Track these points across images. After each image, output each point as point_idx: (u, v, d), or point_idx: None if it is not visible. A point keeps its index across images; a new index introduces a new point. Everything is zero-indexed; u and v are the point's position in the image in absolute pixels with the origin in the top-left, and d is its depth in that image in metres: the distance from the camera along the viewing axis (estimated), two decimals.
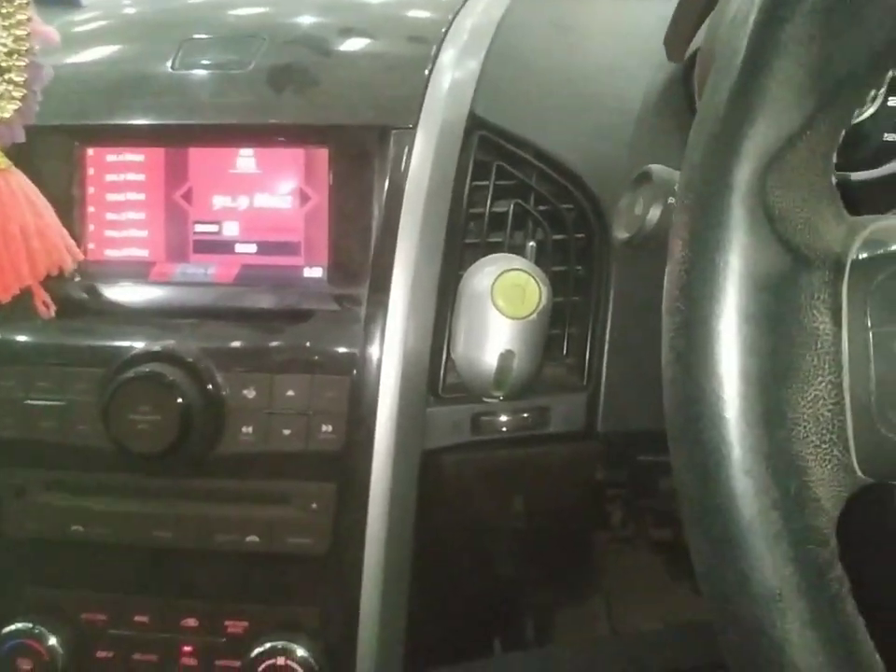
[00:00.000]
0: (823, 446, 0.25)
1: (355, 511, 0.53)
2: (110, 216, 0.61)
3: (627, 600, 0.66)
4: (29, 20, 0.37)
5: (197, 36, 0.63)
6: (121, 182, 0.61)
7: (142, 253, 0.61)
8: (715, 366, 0.24)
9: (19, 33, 0.37)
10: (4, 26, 0.37)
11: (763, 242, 0.24)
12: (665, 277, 0.27)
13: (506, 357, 0.51)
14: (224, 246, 0.60)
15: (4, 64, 0.37)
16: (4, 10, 0.36)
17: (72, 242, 0.40)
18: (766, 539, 0.24)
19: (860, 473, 0.25)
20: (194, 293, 0.59)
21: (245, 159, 0.59)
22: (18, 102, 0.38)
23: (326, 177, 0.58)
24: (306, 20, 0.64)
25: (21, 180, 0.38)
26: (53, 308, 0.40)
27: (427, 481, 0.55)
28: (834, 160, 0.27)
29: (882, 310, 0.25)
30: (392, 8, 0.68)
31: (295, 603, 0.55)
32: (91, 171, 0.61)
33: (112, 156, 0.61)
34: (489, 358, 0.51)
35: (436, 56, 0.59)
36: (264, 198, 0.59)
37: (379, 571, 0.53)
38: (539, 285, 0.51)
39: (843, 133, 0.26)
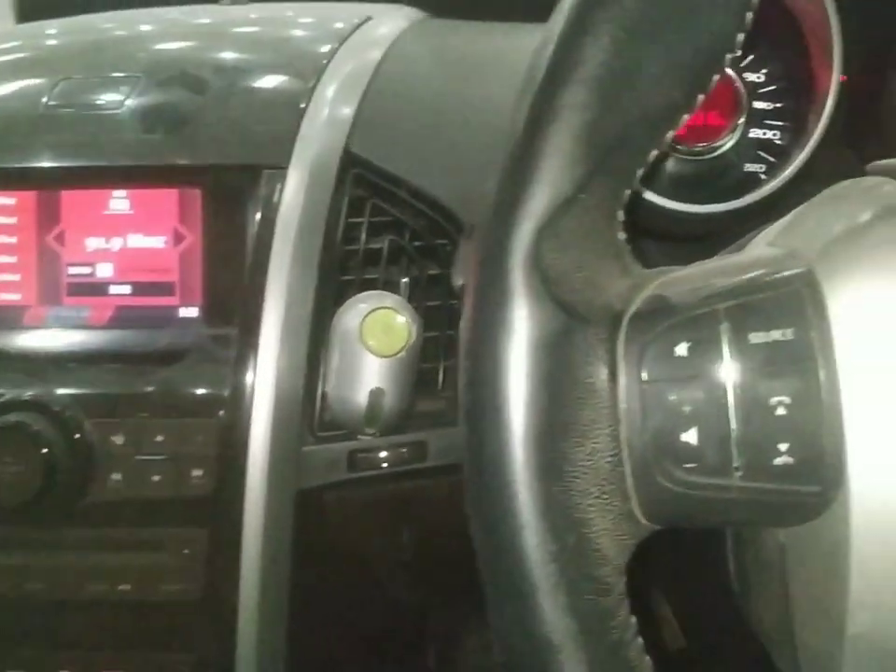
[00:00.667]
0: (604, 497, 0.25)
1: (228, 555, 0.52)
2: None
3: None
4: None
5: (71, 76, 0.62)
6: None
7: (14, 297, 0.59)
8: (496, 422, 0.25)
9: None
10: None
11: (540, 303, 0.25)
12: (460, 335, 0.27)
13: (376, 394, 0.51)
14: (98, 288, 0.59)
15: None
16: None
17: None
18: (545, 592, 0.24)
19: (644, 521, 0.26)
20: (66, 337, 0.57)
21: (119, 200, 0.59)
22: None
23: (199, 217, 0.57)
24: (184, 57, 0.64)
25: None
26: None
27: (304, 521, 0.54)
28: (621, 217, 0.27)
29: (656, 363, 0.25)
30: (273, 44, 0.68)
31: (171, 651, 0.54)
32: None
33: None
34: (359, 397, 0.51)
35: (312, 91, 0.59)
36: (138, 238, 0.59)
37: (255, 616, 0.53)
38: (408, 322, 0.51)
39: (627, 192, 0.27)
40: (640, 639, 0.26)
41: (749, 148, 0.57)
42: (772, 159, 0.57)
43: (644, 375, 0.25)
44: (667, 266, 0.30)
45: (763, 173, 0.57)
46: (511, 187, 0.26)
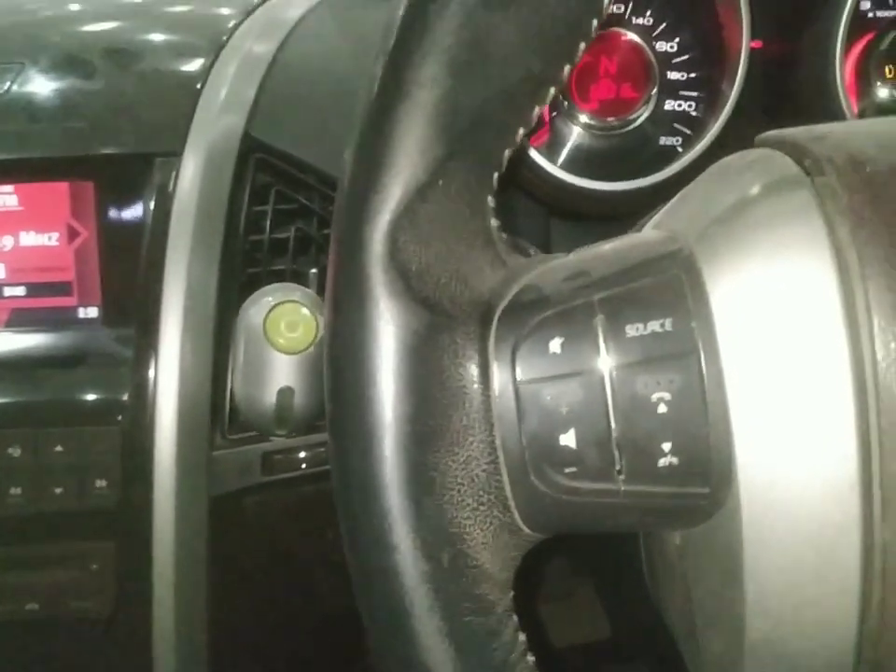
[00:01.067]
0: (481, 508, 0.23)
1: (138, 568, 0.50)
2: None
3: None
4: None
5: None
6: None
7: None
8: (360, 434, 0.23)
9: None
10: None
11: (400, 301, 0.23)
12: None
13: (284, 393, 0.49)
14: None
15: None
16: None
17: None
18: (419, 616, 0.22)
19: (526, 530, 0.24)
20: None
21: (6, 196, 0.55)
22: None
23: (93, 211, 0.54)
24: (71, 41, 0.60)
25: None
26: None
27: (220, 527, 0.52)
28: (491, 203, 0.25)
29: (529, 361, 0.23)
30: (169, 23, 0.64)
31: (84, 670, 0.51)
32: None
33: None
34: (267, 397, 0.49)
35: (209, 72, 0.56)
36: (30, 236, 0.55)
37: (170, 630, 0.50)
38: (315, 316, 0.49)
39: (495, 174, 0.25)
40: (530, 658, 0.24)
41: (664, 121, 0.56)
42: (688, 131, 0.55)
43: (518, 374, 0.23)
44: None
45: (680, 146, 0.55)
46: (361, 174, 0.23)
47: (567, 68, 0.25)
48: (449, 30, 0.23)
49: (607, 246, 0.26)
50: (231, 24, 0.60)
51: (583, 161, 0.54)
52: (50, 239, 0.55)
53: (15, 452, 0.50)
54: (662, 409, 0.23)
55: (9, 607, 0.50)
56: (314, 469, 0.53)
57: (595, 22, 0.25)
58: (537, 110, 0.25)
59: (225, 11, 0.64)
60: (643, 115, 0.55)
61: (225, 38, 0.58)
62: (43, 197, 0.55)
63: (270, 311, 0.48)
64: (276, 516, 0.55)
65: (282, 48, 0.60)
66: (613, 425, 0.23)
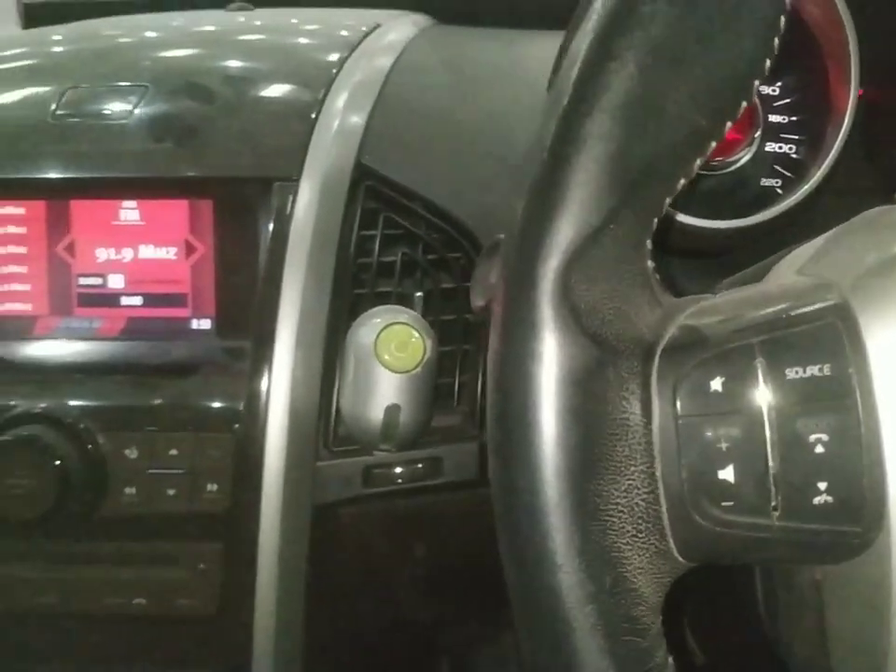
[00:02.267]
0: (640, 535, 0.25)
1: (243, 570, 0.52)
2: None
3: None
4: None
5: (79, 85, 0.62)
6: (1, 235, 0.59)
7: (24, 307, 0.59)
8: (528, 459, 0.25)
9: None
10: None
11: (570, 336, 0.25)
12: (487, 366, 0.27)
13: (391, 411, 0.51)
14: (109, 299, 0.58)
15: None
16: None
17: None
18: (583, 634, 0.24)
19: (680, 559, 0.26)
20: (77, 347, 0.57)
21: (129, 211, 0.58)
22: None
23: (211, 229, 0.57)
24: (192, 66, 0.64)
25: None
26: None
27: (320, 536, 0.54)
28: (649, 245, 0.27)
29: (690, 398, 0.25)
30: (282, 52, 0.68)
31: (186, 666, 0.54)
32: None
33: None
34: (375, 413, 0.51)
35: (323, 102, 0.59)
36: (149, 250, 0.58)
37: (270, 631, 0.53)
38: (423, 337, 0.51)
39: (655, 220, 0.27)
40: None
41: (765, 163, 0.57)
42: (788, 173, 0.56)
43: (679, 410, 0.25)
44: (691, 290, 0.30)
45: (780, 187, 0.56)
46: (538, 218, 0.25)
47: (728, 124, 0.27)
48: (625, 88, 0.25)
49: (757, 290, 0.27)
50: (340, 56, 0.63)
51: (685, 199, 0.56)
52: (168, 253, 0.58)
53: (132, 454, 0.53)
54: (819, 449, 0.24)
55: (119, 600, 0.53)
56: (409, 484, 0.55)
57: (756, 83, 0.27)
58: (698, 162, 0.27)
59: (334, 43, 0.67)
60: (745, 157, 0.56)
61: (335, 71, 0.61)
62: (163, 213, 0.58)
63: (381, 331, 0.50)
64: (372, 528, 0.57)
65: (387, 80, 0.63)
66: (771, 462, 0.24)
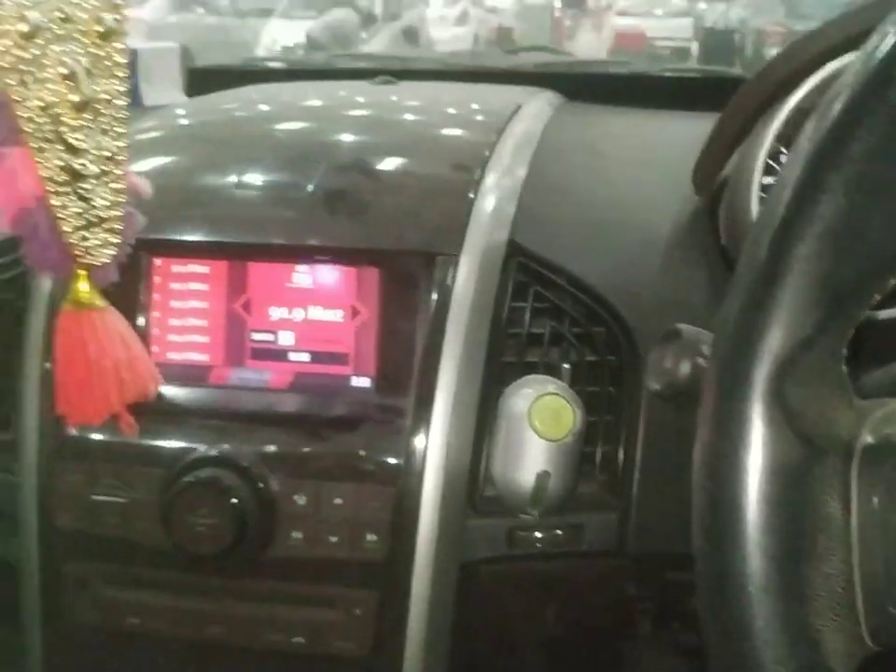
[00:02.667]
0: (836, 619, 0.27)
1: (395, 617, 0.56)
2: (173, 321, 0.66)
3: None
4: (125, 174, 0.42)
5: (260, 156, 0.68)
6: (185, 291, 0.65)
7: (202, 357, 0.65)
8: (739, 544, 0.28)
9: (117, 186, 0.42)
10: (105, 182, 0.42)
11: (782, 435, 0.28)
12: (694, 454, 0.30)
13: (542, 477, 0.54)
14: (279, 354, 0.64)
15: (104, 216, 0.42)
16: (105, 168, 0.41)
17: (155, 370, 0.44)
18: None
19: (869, 643, 0.28)
20: (249, 397, 0.63)
21: (301, 275, 0.64)
22: (114, 248, 0.42)
23: (376, 295, 0.62)
24: (358, 142, 0.70)
25: (115, 318, 0.43)
26: (136, 428, 0.44)
27: (463, 590, 0.57)
28: (844, 353, 0.30)
29: (889, 495, 0.28)
30: (436, 130, 0.74)
31: None
32: (157, 279, 0.66)
33: (177, 266, 0.66)
34: (526, 478, 0.54)
35: (479, 182, 0.64)
36: (317, 311, 0.64)
37: None
38: (573, 408, 0.54)
39: (852, 329, 0.30)
40: None
41: None
42: None
43: (877, 507, 0.28)
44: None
45: None
46: (754, 325, 0.29)
47: None
48: (834, 216, 0.28)
49: None
50: (490, 140, 0.68)
51: None
52: (335, 315, 0.63)
53: (300, 499, 0.57)
54: None
55: (279, 637, 0.57)
56: (550, 549, 0.58)
57: None
58: (895, 281, 0.30)
59: (483, 126, 0.72)
60: None
61: (487, 153, 0.66)
62: (333, 279, 0.63)
63: (535, 400, 0.54)
64: (511, 588, 0.60)
65: (533, 163, 0.68)
66: None
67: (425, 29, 6.92)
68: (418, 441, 0.57)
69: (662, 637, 0.66)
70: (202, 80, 1.03)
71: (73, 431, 0.61)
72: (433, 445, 0.57)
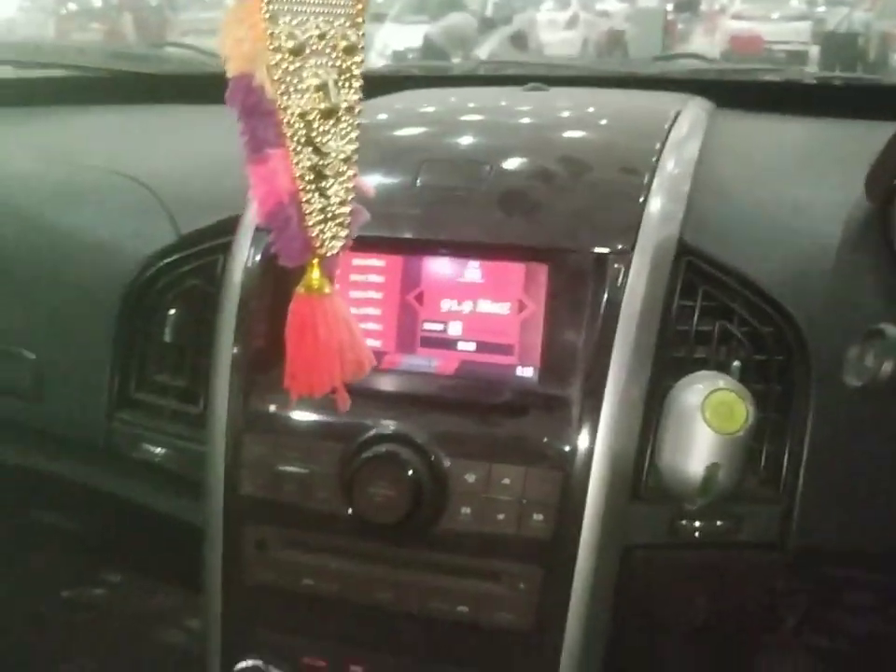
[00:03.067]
0: None
1: (559, 594, 0.59)
2: (351, 310, 0.70)
3: None
4: (355, 175, 0.47)
5: (434, 158, 0.72)
6: (363, 282, 0.70)
7: (375, 343, 0.70)
8: None
9: (348, 185, 0.47)
10: (340, 181, 0.46)
11: None
12: None
13: (712, 468, 0.56)
14: (447, 343, 0.68)
15: (337, 212, 0.46)
16: (341, 169, 0.46)
17: (371, 353, 0.48)
18: None
19: None
20: (419, 381, 0.67)
21: (473, 270, 0.68)
22: (343, 240, 0.47)
23: (543, 290, 0.65)
24: (525, 146, 0.73)
25: (341, 304, 0.47)
26: (349, 402, 0.48)
27: (623, 573, 0.60)
28: None
29: None
30: (599, 134, 0.76)
31: None
32: (338, 271, 0.71)
33: (357, 260, 0.70)
34: (696, 468, 0.56)
35: (648, 185, 0.66)
36: (486, 304, 0.67)
37: (576, 652, 0.59)
38: (746, 404, 0.56)
39: None
40: None
41: None
42: None
43: None
44: None
45: None
46: None
47: None
48: None
49: None
50: (656, 145, 0.70)
51: None
52: (503, 308, 0.67)
53: (470, 478, 0.61)
54: None
55: (444, 606, 0.61)
56: (710, 538, 0.60)
57: None
58: None
59: (646, 131, 0.74)
60: None
61: (654, 159, 0.68)
62: (502, 274, 0.67)
63: (709, 394, 0.56)
64: (665, 572, 0.62)
65: (698, 167, 0.70)
66: None
67: (534, 33, 6.91)
68: (587, 429, 0.60)
69: (813, 644, 0.67)
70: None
71: (260, 406, 0.67)
72: (601, 434, 0.59)
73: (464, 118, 0.83)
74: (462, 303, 0.68)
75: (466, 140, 0.76)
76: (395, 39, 6.15)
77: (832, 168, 0.72)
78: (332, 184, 0.46)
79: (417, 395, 0.66)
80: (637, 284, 0.62)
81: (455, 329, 0.68)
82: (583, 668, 0.59)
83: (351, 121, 0.46)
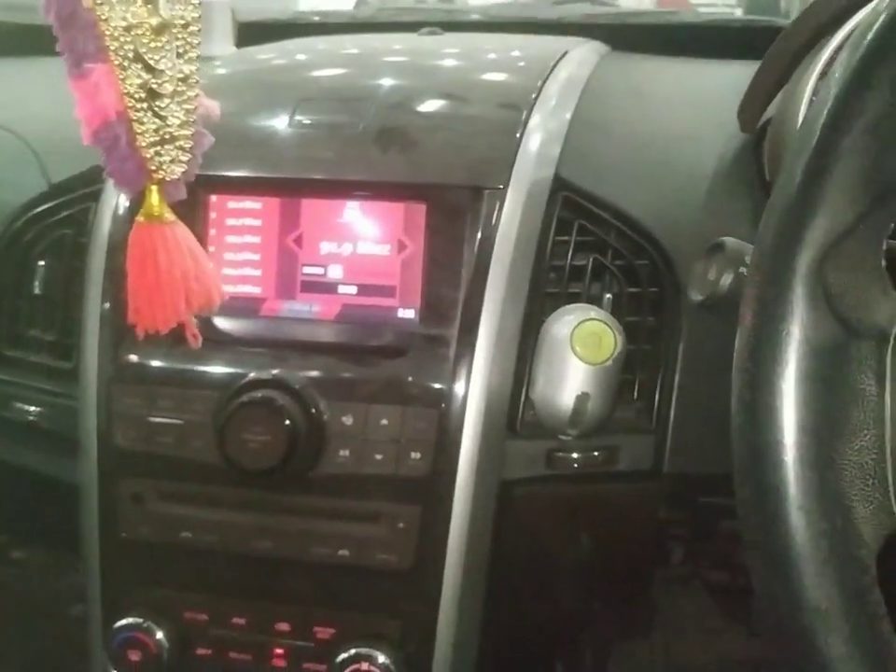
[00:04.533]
0: (866, 489, 0.29)
1: (437, 531, 0.58)
2: (228, 255, 0.68)
3: (682, 638, 0.70)
4: (197, 96, 0.45)
5: (311, 97, 0.70)
6: (240, 226, 0.68)
7: (255, 290, 0.68)
8: (777, 418, 0.29)
9: (189, 106, 0.44)
10: (178, 102, 0.44)
11: (821, 316, 0.29)
12: (737, 341, 0.32)
13: (582, 399, 0.56)
14: (328, 287, 0.66)
15: (176, 133, 0.44)
16: (179, 89, 0.44)
17: (220, 284, 0.47)
18: (815, 564, 0.28)
19: None
20: (300, 328, 0.65)
21: (352, 210, 0.66)
22: (184, 165, 0.45)
23: (422, 229, 0.64)
24: (409, 84, 0.72)
25: (184, 232, 0.45)
26: (200, 339, 0.47)
27: (502, 508, 0.60)
28: (884, 245, 0.32)
29: None
30: (484, 73, 0.75)
31: (379, 613, 0.60)
32: (213, 215, 0.68)
33: (233, 203, 0.68)
34: (566, 400, 0.56)
35: (526, 121, 0.65)
36: (366, 245, 0.66)
37: (457, 589, 0.59)
38: (614, 334, 0.56)
39: (893, 224, 0.31)
40: (889, 620, 0.30)
41: None
42: None
43: None
44: None
45: None
46: (798, 214, 0.30)
47: None
48: (880, 111, 0.30)
49: None
50: (538, 82, 0.70)
51: None
52: (383, 249, 0.66)
53: (348, 420, 0.60)
54: None
55: (326, 550, 0.60)
56: (587, 470, 0.60)
57: None
58: None
59: (530, 69, 0.74)
60: None
61: (534, 95, 0.68)
62: (381, 214, 0.66)
63: (577, 325, 0.56)
64: (548, 507, 0.62)
65: (579, 103, 0.69)
66: None
67: None
68: (462, 367, 0.59)
69: (692, 571, 0.68)
70: (252, 34, 1.05)
71: (131, 357, 0.65)
72: (476, 371, 0.59)
73: (345, 60, 0.81)
74: (342, 245, 0.67)
75: (345, 80, 0.74)
76: None
77: (717, 104, 0.72)
78: (169, 104, 0.43)
79: (296, 341, 0.64)
80: (511, 220, 0.61)
81: (335, 272, 0.67)
82: (465, 601, 0.59)
83: (189, 39, 0.43)
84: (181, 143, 0.45)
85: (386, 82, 0.72)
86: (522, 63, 0.78)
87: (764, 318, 0.30)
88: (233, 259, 0.68)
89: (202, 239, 0.67)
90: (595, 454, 0.60)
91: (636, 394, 0.62)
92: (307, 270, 0.67)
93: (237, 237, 0.68)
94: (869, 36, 0.31)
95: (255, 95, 0.74)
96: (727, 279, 0.49)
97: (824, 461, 0.29)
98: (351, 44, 0.88)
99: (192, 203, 0.67)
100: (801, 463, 0.29)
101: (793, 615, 0.29)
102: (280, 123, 0.69)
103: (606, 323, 0.56)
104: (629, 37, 0.93)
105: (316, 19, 1.13)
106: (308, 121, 0.68)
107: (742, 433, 0.31)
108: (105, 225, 0.67)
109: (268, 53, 0.86)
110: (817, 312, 0.29)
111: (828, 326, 0.29)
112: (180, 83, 0.44)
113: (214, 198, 0.68)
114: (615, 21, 0.96)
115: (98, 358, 0.65)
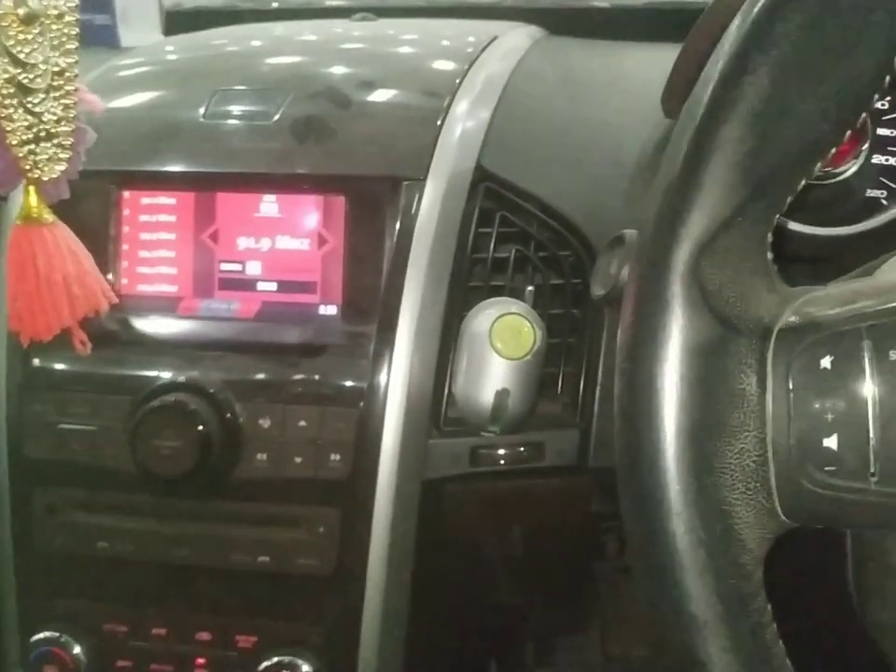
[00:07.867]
0: (748, 493, 0.28)
1: (359, 534, 0.57)
2: (143, 253, 0.66)
3: (619, 627, 0.69)
4: (76, 90, 0.42)
5: (227, 87, 0.68)
6: (154, 222, 0.66)
7: (171, 288, 0.65)
8: (653, 420, 0.28)
9: (67, 101, 0.42)
10: (54, 97, 0.42)
11: (698, 314, 0.28)
12: (618, 339, 0.30)
13: (501, 395, 0.55)
14: (246, 284, 0.64)
15: (53, 130, 0.42)
16: (55, 83, 0.41)
17: (108, 286, 0.44)
18: (694, 573, 0.27)
19: (783, 518, 0.29)
20: (218, 327, 0.63)
21: (268, 204, 0.64)
22: (64, 163, 0.42)
23: (342, 223, 0.62)
24: (329, 72, 0.69)
25: (65, 233, 0.43)
26: (89, 346, 0.44)
27: (427, 508, 0.59)
28: (770, 238, 0.30)
29: (803, 374, 0.28)
30: (409, 60, 0.73)
31: (301, 620, 0.59)
32: (126, 212, 0.66)
33: (146, 198, 0.66)
34: (486, 396, 0.55)
35: (448, 109, 0.64)
36: (285, 240, 0.64)
37: (381, 592, 0.57)
38: (534, 328, 0.55)
39: (777, 216, 0.30)
40: (775, 626, 0.28)
41: (871, 174, 0.59)
42: (894, 185, 0.58)
43: (791, 384, 0.28)
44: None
45: (885, 198, 0.58)
46: (675, 208, 0.29)
47: (848, 132, 0.30)
48: (759, 99, 0.29)
49: (864, 284, 0.30)
50: (462, 67, 0.68)
51: (795, 208, 0.58)
52: (302, 244, 0.63)
53: (265, 423, 0.58)
54: None
55: (245, 557, 0.58)
56: (512, 466, 0.59)
57: (876, 96, 0.30)
58: (819, 165, 0.30)
59: (456, 54, 0.72)
60: (852, 168, 0.58)
61: (458, 81, 0.66)
62: (299, 207, 0.63)
63: (496, 320, 0.55)
64: (475, 505, 0.61)
65: (505, 90, 0.67)
66: (872, 434, 0.27)
67: None
68: (381, 365, 0.58)
69: (624, 561, 0.67)
70: (179, 21, 1.02)
71: (40, 363, 0.62)
72: (396, 368, 0.57)
73: (269, 48, 0.78)
74: (260, 241, 0.64)
75: (263, 69, 0.72)
76: None
77: (643, 90, 0.71)
78: (43, 99, 0.41)
79: (213, 341, 0.62)
80: (431, 211, 0.59)
81: (253, 268, 0.65)
82: (390, 605, 0.58)
83: (64, 30, 0.41)
84: (60, 140, 0.42)
85: (306, 70, 0.70)
86: (448, 50, 0.76)
87: (641, 317, 0.29)
88: (148, 257, 0.66)
89: (115, 237, 0.65)
90: (521, 449, 0.59)
91: (560, 388, 0.60)
92: (224, 266, 0.65)
93: (151, 234, 0.66)
94: (748, 17, 0.29)
95: (170, 86, 0.71)
96: (625, 272, 0.47)
97: (702, 465, 0.28)
98: (278, 31, 0.85)
99: (104, 200, 0.65)
100: (677, 467, 0.28)
101: (675, 626, 0.28)
102: (195, 115, 0.66)
103: (525, 317, 0.55)
104: (566, 21, 0.91)
105: (249, 5, 1.10)
106: (223, 112, 0.66)
107: (620, 437, 0.29)
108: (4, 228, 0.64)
109: (190, 42, 0.84)
110: (693, 309, 0.28)
111: (706, 324, 0.28)
112: (56, 77, 0.41)
113: (126, 194, 0.66)
114: (551, 5, 0.94)
115: (6, 364, 0.62)
